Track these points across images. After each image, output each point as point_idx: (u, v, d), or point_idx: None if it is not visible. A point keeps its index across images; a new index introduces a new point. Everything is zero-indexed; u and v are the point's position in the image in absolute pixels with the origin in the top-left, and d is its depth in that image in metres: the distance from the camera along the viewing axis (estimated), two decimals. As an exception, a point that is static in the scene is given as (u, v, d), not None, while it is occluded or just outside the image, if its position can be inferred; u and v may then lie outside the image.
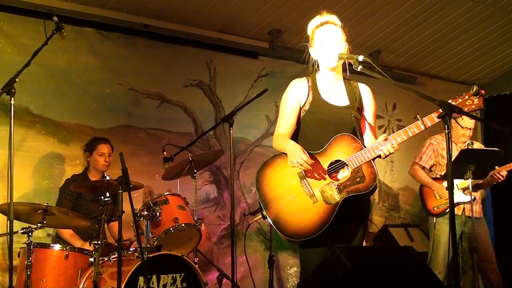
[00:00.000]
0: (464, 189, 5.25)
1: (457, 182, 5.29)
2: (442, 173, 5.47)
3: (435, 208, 5.39)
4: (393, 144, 3.03)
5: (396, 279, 2.77)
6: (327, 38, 3.18)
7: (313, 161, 3.05)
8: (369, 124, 3.32)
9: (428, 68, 7.54)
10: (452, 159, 5.30)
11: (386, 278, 2.74)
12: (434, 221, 5.40)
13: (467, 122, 5.33)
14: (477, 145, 5.57)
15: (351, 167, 3.07)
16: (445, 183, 5.38)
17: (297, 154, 3.01)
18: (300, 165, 3.01)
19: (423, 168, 5.60)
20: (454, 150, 5.42)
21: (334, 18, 3.26)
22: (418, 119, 3.02)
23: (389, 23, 6.27)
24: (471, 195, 5.06)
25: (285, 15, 5.91)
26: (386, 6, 5.93)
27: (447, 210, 5.27)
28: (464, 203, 5.25)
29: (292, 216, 3.03)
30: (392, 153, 3.05)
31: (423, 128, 3.02)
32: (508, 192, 7.21)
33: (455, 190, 5.30)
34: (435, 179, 5.50)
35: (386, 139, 3.04)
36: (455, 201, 5.24)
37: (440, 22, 6.33)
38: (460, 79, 7.87)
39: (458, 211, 5.28)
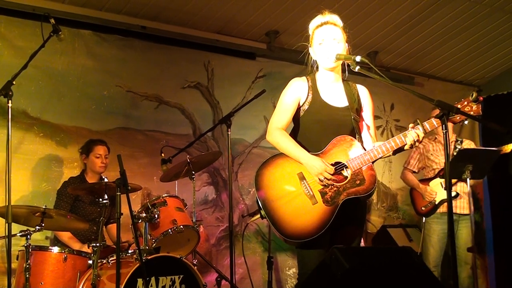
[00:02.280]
0: None
1: (442, 180, 5.37)
2: (430, 175, 5.54)
3: (422, 208, 5.51)
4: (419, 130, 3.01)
5: (394, 279, 2.77)
6: (325, 38, 3.19)
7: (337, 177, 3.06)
8: (368, 125, 3.33)
9: (426, 68, 7.55)
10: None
11: (385, 278, 2.74)
12: (424, 221, 5.49)
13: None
14: (467, 143, 5.61)
15: (351, 169, 3.07)
16: (431, 183, 5.47)
17: (324, 173, 3.02)
18: (328, 180, 3.03)
19: (413, 172, 5.69)
20: (441, 150, 5.51)
21: (334, 18, 3.26)
22: (418, 123, 3.01)
23: (386, 23, 6.27)
24: (469, 195, 5.09)
25: (283, 16, 5.91)
26: (383, 7, 5.94)
27: (433, 211, 5.41)
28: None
29: (291, 216, 3.03)
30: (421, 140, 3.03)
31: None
32: (507, 193, 7.24)
33: (440, 188, 5.37)
34: (424, 180, 5.54)
35: (413, 127, 3.02)
36: (440, 198, 5.34)
37: (437, 22, 6.33)
38: (457, 79, 7.88)
39: (445, 209, 5.32)
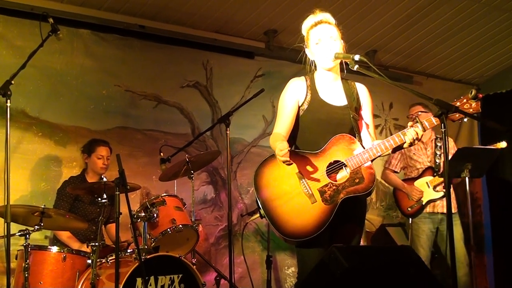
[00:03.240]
0: (435, 186, 5.28)
1: (428, 179, 5.33)
2: (414, 175, 5.47)
3: (409, 209, 5.40)
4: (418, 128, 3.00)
5: (393, 278, 2.77)
6: (322, 37, 3.17)
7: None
8: (367, 123, 3.32)
9: (425, 67, 7.55)
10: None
11: (384, 277, 2.74)
12: (410, 222, 5.43)
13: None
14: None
15: (350, 168, 3.06)
16: (416, 183, 5.40)
17: (279, 154, 2.88)
18: (282, 156, 2.86)
19: (395, 172, 5.65)
20: (422, 149, 5.48)
21: (328, 17, 3.24)
22: (417, 122, 3.01)
23: (385, 22, 6.28)
24: (467, 194, 5.09)
25: (281, 15, 5.91)
26: (381, 6, 5.94)
27: (420, 211, 5.33)
28: (435, 200, 5.28)
29: (291, 215, 3.02)
30: (420, 139, 3.03)
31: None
32: (505, 193, 7.25)
33: (426, 188, 5.32)
34: (407, 180, 5.51)
35: (413, 125, 3.01)
36: (427, 198, 5.28)
37: (435, 21, 6.34)
38: (456, 77, 7.88)
39: (432, 209, 5.30)
